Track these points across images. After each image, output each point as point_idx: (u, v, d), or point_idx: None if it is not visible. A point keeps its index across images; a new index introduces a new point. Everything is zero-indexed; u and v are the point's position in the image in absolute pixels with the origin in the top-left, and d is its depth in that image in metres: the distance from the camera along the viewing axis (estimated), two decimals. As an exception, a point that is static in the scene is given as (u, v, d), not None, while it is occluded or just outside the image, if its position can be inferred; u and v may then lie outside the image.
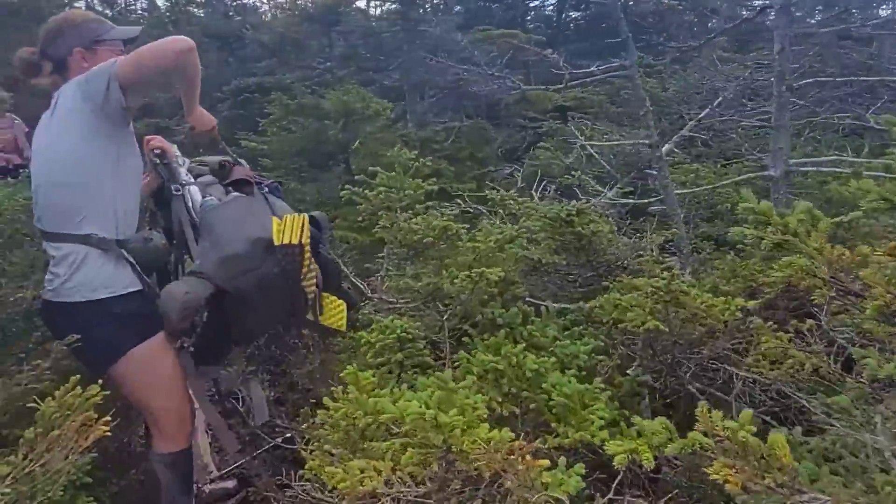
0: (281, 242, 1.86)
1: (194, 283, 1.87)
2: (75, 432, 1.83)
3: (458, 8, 10.25)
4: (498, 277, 2.12)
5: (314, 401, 2.64)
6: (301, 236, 1.88)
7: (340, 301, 2.04)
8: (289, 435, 3.14)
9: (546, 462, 1.27)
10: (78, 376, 1.94)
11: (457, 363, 2.07)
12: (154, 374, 1.95)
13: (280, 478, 2.98)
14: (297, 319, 2.04)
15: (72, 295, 1.88)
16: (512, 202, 3.24)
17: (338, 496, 1.43)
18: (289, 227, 1.87)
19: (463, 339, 2.23)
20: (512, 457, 1.25)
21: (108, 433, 1.87)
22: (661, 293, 1.91)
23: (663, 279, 1.92)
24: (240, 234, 1.92)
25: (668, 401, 2.12)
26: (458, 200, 3.95)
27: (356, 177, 2.86)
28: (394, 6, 8.03)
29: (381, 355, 2.06)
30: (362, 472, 1.32)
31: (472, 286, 2.15)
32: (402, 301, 2.51)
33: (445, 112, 9.92)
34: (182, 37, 1.80)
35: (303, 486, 2.16)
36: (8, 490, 1.58)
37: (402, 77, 8.66)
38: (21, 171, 4.31)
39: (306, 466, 2.07)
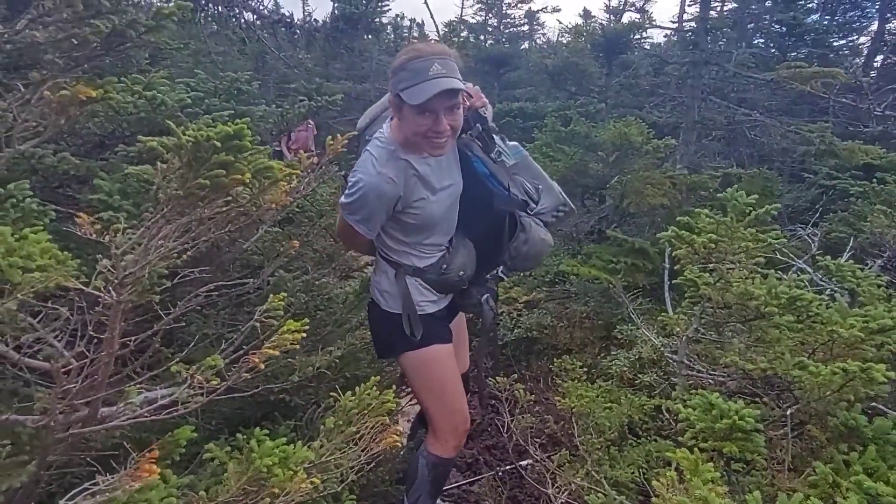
0: None
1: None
2: (370, 432, 1.80)
3: (757, 41, 9.10)
4: (885, 378, 1.58)
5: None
6: None
7: None
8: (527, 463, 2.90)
9: None
10: (378, 378, 1.94)
11: (810, 475, 1.59)
12: (424, 377, 2.12)
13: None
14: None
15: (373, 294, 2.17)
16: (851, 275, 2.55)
17: None
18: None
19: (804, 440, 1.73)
20: None
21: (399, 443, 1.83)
22: None
23: None
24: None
25: None
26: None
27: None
28: (688, 34, 7.38)
29: (701, 440, 1.66)
30: None
31: (841, 381, 1.63)
32: (714, 374, 2.07)
33: (714, 156, 8.95)
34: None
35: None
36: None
37: (679, 114, 7.95)
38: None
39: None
